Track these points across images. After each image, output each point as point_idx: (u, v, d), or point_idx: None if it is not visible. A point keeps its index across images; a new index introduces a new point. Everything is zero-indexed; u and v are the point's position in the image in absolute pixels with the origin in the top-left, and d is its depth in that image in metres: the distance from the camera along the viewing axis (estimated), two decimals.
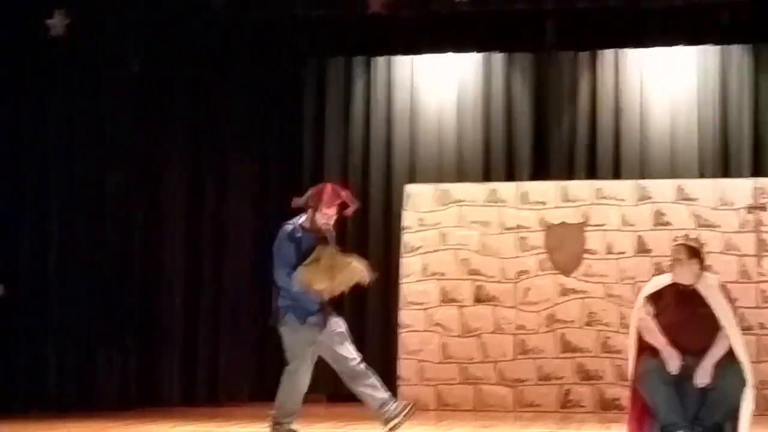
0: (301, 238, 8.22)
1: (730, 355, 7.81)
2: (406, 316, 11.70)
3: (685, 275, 7.96)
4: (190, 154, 12.08)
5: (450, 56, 12.70)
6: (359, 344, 12.33)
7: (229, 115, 12.32)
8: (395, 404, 8.29)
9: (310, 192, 8.41)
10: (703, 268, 8.08)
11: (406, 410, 8.23)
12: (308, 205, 8.31)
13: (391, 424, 8.22)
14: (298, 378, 8.24)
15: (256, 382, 12.54)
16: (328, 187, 8.43)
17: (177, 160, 11.97)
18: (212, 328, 12.05)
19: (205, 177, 12.19)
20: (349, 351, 8.38)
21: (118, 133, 11.46)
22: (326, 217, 8.28)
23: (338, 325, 8.40)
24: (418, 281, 11.69)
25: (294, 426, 8.29)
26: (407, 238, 11.79)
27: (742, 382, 7.76)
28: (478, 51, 12.57)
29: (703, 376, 7.71)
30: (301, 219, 8.35)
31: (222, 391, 12.03)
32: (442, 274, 11.61)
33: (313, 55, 12.67)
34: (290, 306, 8.18)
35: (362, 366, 8.40)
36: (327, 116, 12.99)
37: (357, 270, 8.28)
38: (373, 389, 8.35)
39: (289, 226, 8.39)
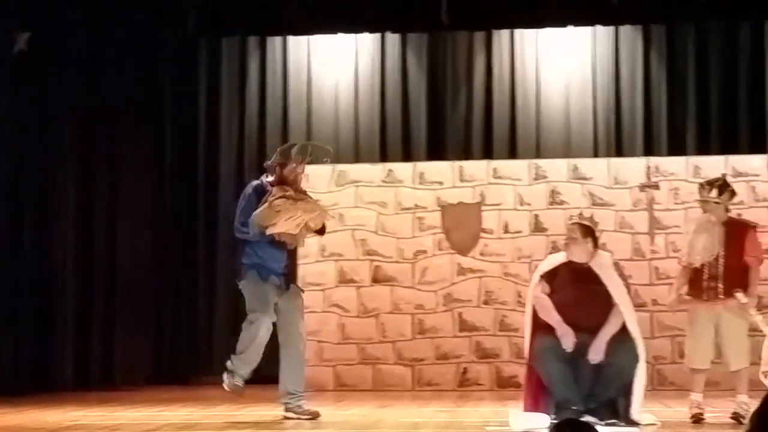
0: (266, 193, 8.27)
1: (623, 332, 7.92)
2: (304, 296, 11.60)
3: (579, 254, 8.05)
4: (82, 134, 11.85)
5: (345, 36, 12.64)
6: None
7: (122, 95, 12.13)
8: (303, 403, 8.36)
9: (278, 150, 8.55)
10: (597, 246, 8.18)
11: (307, 416, 8.29)
12: (276, 161, 8.41)
13: (288, 415, 8.31)
14: (257, 328, 8.27)
15: (153, 366, 12.41)
16: (293, 144, 8.62)
17: (69, 139, 11.74)
18: (107, 311, 11.87)
19: (98, 158, 11.98)
20: (301, 324, 8.48)
21: (3, 114, 11.18)
22: (294, 171, 8.36)
23: (298, 295, 8.52)
24: (315, 262, 11.65)
25: (242, 380, 8.37)
26: None
27: (635, 358, 7.88)
28: (372, 31, 12.53)
29: (596, 353, 7.81)
30: (269, 177, 8.41)
31: (117, 375, 11.87)
32: (340, 255, 11.59)
33: (206, 35, 12.50)
34: (255, 264, 8.26)
35: (303, 346, 8.51)
36: (222, 96, 12.86)
37: (308, 212, 8.29)
38: (295, 374, 8.42)
39: (255, 182, 8.53)
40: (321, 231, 8.58)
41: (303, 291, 8.78)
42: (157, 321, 12.49)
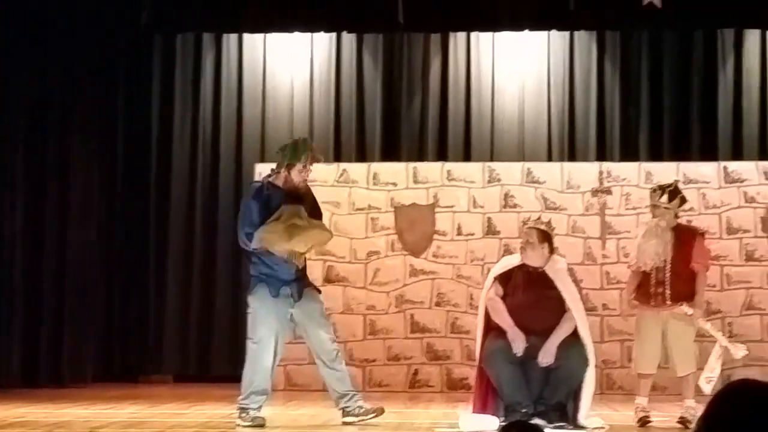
0: (270, 196, 7.91)
1: (574, 336, 7.97)
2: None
3: (535, 258, 8.10)
4: (32, 129, 11.73)
5: (301, 35, 12.61)
6: (209, 327, 12.34)
7: (74, 90, 12.01)
8: (360, 401, 7.99)
9: (280, 151, 8.22)
10: (553, 251, 8.23)
11: (370, 415, 7.92)
12: (281, 164, 8.04)
13: (348, 419, 7.92)
14: (260, 356, 7.85)
15: (102, 364, 12.31)
16: (300, 142, 8.21)
17: (19, 134, 11.62)
18: (56, 308, 11.77)
19: (49, 155, 11.85)
20: (322, 330, 8.04)
21: None
22: (301, 173, 8.00)
23: (315, 299, 8.09)
24: None
25: (261, 413, 7.88)
26: None
27: (585, 362, 7.93)
28: (328, 31, 12.51)
29: (546, 356, 7.85)
30: (270, 177, 8.06)
31: (66, 373, 11.77)
32: None
33: (160, 31, 12.42)
34: (264, 275, 7.86)
35: (337, 349, 8.09)
36: (176, 94, 12.78)
37: (317, 233, 8.01)
38: (336, 378, 8.02)
39: (256, 184, 8.15)
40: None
41: (320, 291, 8.32)
42: (107, 319, 12.40)
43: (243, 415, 7.83)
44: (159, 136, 12.70)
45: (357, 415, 7.92)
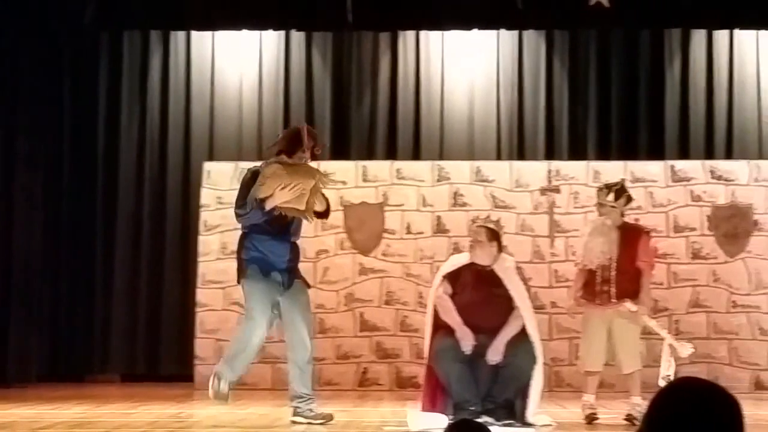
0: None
1: (522, 334, 8.00)
2: (203, 295, 11.57)
3: (483, 256, 8.12)
4: None
5: (250, 33, 12.56)
6: (157, 326, 12.26)
7: (19, 89, 11.88)
8: (313, 405, 7.92)
9: (283, 134, 8.17)
10: (501, 250, 8.26)
11: (319, 420, 7.84)
12: (283, 148, 7.96)
13: (297, 419, 7.86)
14: (252, 331, 7.80)
15: (48, 364, 12.19)
16: (304, 130, 8.09)
17: None
18: (1, 308, 11.64)
19: None
20: (304, 325, 7.97)
21: None
22: (300, 160, 7.91)
23: (304, 292, 8.03)
24: (216, 260, 11.56)
25: (228, 387, 7.85)
26: (205, 216, 11.66)
27: (533, 360, 7.97)
28: (277, 29, 12.47)
29: (494, 354, 7.88)
30: (272, 161, 7.96)
31: (10, 373, 11.64)
32: None
33: (106, 29, 12.31)
34: (255, 258, 7.81)
35: (312, 350, 8.03)
36: (123, 91, 12.67)
37: (306, 178, 7.80)
38: (302, 378, 7.96)
39: (254, 168, 8.03)
40: (326, 213, 8.04)
41: (309, 286, 8.25)
42: (52, 317, 12.28)
43: (215, 381, 7.84)
44: (106, 134, 12.60)
45: (306, 418, 7.88)
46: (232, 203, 11.37)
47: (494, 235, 8.21)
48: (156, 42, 12.69)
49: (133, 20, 12.04)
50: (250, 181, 7.84)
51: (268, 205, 7.67)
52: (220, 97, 12.67)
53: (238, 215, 7.90)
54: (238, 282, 8.06)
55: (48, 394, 10.53)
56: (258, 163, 8.30)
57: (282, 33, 12.62)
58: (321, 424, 7.84)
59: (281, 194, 7.68)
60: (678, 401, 2.26)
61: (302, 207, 7.73)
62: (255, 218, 7.75)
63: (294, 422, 7.88)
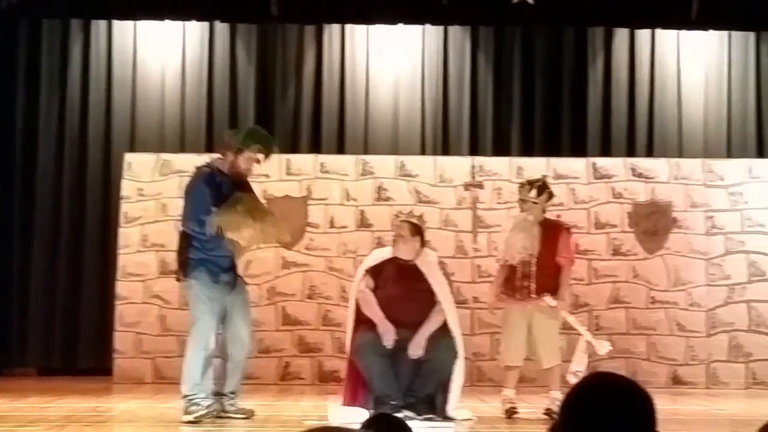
0: (221, 183, 7.69)
1: (444, 329, 8.03)
2: (123, 287, 11.45)
3: (406, 251, 8.14)
4: None
5: (173, 23, 12.44)
6: (75, 319, 12.09)
7: None
8: (236, 401, 7.82)
9: (231, 134, 7.97)
10: (424, 245, 8.29)
11: (240, 415, 7.75)
12: (230, 147, 7.78)
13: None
14: (205, 342, 7.66)
15: None
16: (255, 130, 8.03)
17: None
18: None
19: None
20: (245, 325, 7.89)
21: None
22: (250, 161, 7.78)
23: (245, 290, 8.00)
24: (137, 252, 11.46)
25: (206, 402, 7.63)
26: (126, 208, 11.54)
27: (454, 355, 8.01)
28: (200, 20, 12.37)
29: (416, 348, 7.90)
30: (217, 162, 7.81)
31: None
32: (162, 246, 11.40)
33: (25, 16, 12.11)
34: (203, 260, 7.63)
35: (245, 349, 7.94)
36: (42, 81, 12.47)
37: (276, 223, 7.83)
38: (235, 376, 7.87)
39: (206, 169, 7.81)
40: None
41: (247, 284, 8.23)
42: None
43: (193, 408, 7.58)
44: (24, 124, 12.39)
45: (227, 412, 7.84)
46: (153, 195, 11.40)
47: (417, 230, 8.24)
48: (77, 31, 12.50)
49: (53, 8, 11.87)
50: (205, 186, 7.66)
51: (229, 236, 7.56)
52: (142, 88, 12.53)
53: (192, 231, 7.67)
54: (178, 280, 7.95)
55: None
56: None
57: (206, 24, 12.51)
58: (243, 418, 7.81)
59: (242, 234, 7.57)
60: (592, 395, 2.27)
61: (243, 245, 7.69)
62: (207, 238, 7.60)
63: (219, 417, 7.80)
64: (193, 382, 7.64)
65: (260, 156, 7.85)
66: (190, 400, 7.62)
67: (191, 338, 7.75)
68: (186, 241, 7.77)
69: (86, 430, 7.27)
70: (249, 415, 7.90)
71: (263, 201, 8.23)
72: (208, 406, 7.62)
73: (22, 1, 11.28)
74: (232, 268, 7.84)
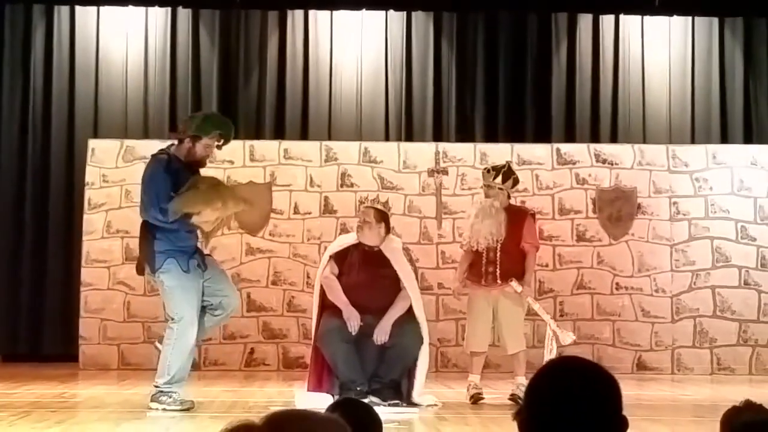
0: (178, 170, 7.49)
1: (408, 315, 8.04)
2: (88, 274, 11.40)
3: (371, 237, 8.15)
4: None
5: (136, 9, 12.38)
6: (38, 302, 12.03)
7: None
8: (182, 399, 7.58)
9: (187, 120, 7.82)
10: (389, 231, 8.29)
11: (180, 406, 7.51)
12: (186, 134, 7.61)
13: (153, 405, 7.53)
14: (182, 336, 7.47)
15: None
16: (212, 115, 7.92)
17: None
18: None
19: None
20: (231, 286, 7.87)
21: None
22: (208, 147, 7.62)
23: (216, 263, 7.89)
24: (101, 238, 11.41)
25: (182, 394, 7.50)
26: (90, 194, 11.49)
27: (419, 341, 8.03)
28: (163, 5, 12.32)
29: (381, 334, 7.91)
30: (172, 149, 7.63)
31: None
32: (127, 232, 11.35)
33: None
34: (170, 251, 7.45)
35: (236, 307, 7.91)
36: (4, 66, 12.37)
37: (240, 198, 7.66)
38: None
39: (163, 156, 7.60)
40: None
41: (211, 256, 8.09)
42: None
43: (164, 398, 7.47)
44: None
45: (169, 403, 7.58)
46: (117, 182, 11.34)
47: (383, 216, 8.25)
48: (39, 16, 12.42)
49: None
50: (163, 173, 7.48)
51: (193, 220, 7.44)
52: (105, 74, 12.45)
53: (154, 219, 7.48)
54: (141, 274, 7.83)
55: None
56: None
57: (168, 9, 12.46)
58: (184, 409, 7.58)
59: (208, 214, 7.44)
60: (557, 379, 2.28)
61: (210, 228, 7.58)
62: (170, 226, 7.44)
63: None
64: (169, 377, 7.53)
65: (219, 142, 7.70)
66: (162, 391, 7.53)
67: (173, 336, 7.54)
68: (149, 232, 7.57)
69: (52, 416, 7.23)
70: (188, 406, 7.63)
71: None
72: (182, 402, 7.51)
73: None
74: (197, 250, 7.69)
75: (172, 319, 7.56)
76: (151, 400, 7.56)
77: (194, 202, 7.43)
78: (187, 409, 7.51)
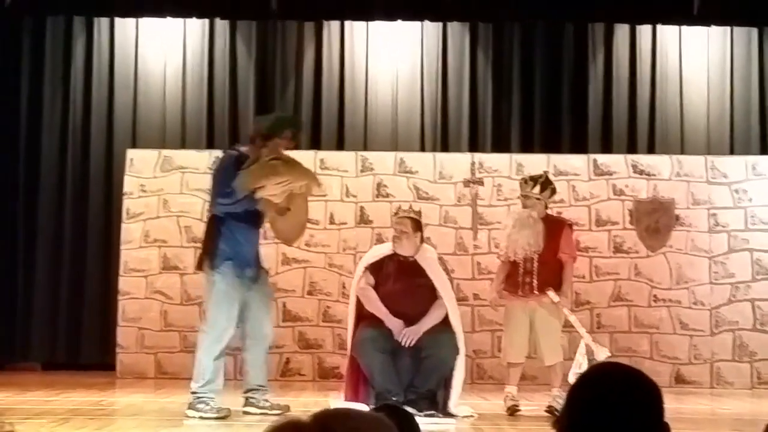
0: (250, 161, 7.62)
1: (444, 325, 8.03)
2: (125, 283, 11.46)
3: (408, 247, 8.15)
4: None
5: (174, 20, 12.45)
6: (78, 314, 12.10)
7: None
8: (269, 397, 7.77)
9: (259, 120, 7.94)
10: (423, 240, 8.29)
11: (274, 411, 7.67)
12: (258, 134, 7.74)
13: (251, 410, 7.68)
14: (214, 344, 7.56)
15: None
16: (284, 116, 8.00)
17: None
18: None
19: None
20: (268, 317, 7.86)
21: None
22: (278, 149, 7.72)
23: (267, 283, 7.93)
24: (139, 248, 11.46)
25: (218, 400, 7.57)
26: (128, 204, 11.54)
27: (455, 351, 8.01)
28: (201, 17, 12.38)
29: (411, 334, 7.88)
30: (244, 148, 7.74)
31: None
32: (164, 241, 11.42)
33: (30, 13, 12.10)
34: (231, 251, 7.53)
35: (271, 340, 7.93)
36: (45, 77, 12.48)
37: (302, 177, 7.70)
38: (260, 369, 7.82)
39: (233, 152, 7.75)
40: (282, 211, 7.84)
41: (269, 274, 8.18)
42: None
43: (201, 405, 7.55)
44: (28, 121, 12.40)
45: (261, 408, 7.77)
46: (155, 191, 11.39)
47: (418, 226, 8.25)
48: (79, 28, 12.52)
49: (56, 5, 11.88)
50: (232, 167, 7.60)
51: (259, 194, 7.50)
52: (144, 85, 12.53)
53: (221, 204, 7.59)
54: (200, 269, 7.85)
55: None
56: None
57: (206, 21, 12.52)
58: (277, 414, 7.69)
59: (273, 188, 7.51)
60: (599, 385, 2.27)
61: (276, 203, 7.63)
62: (238, 207, 7.52)
63: (246, 413, 7.79)
64: (204, 381, 7.59)
65: (287, 142, 7.79)
66: (199, 397, 7.59)
67: (205, 337, 7.64)
68: (215, 228, 7.67)
69: (91, 423, 7.28)
70: (284, 410, 7.77)
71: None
72: (218, 410, 7.56)
73: None
74: (256, 260, 7.77)
75: (207, 322, 7.65)
76: (189, 408, 7.62)
77: (257, 176, 7.48)
78: (224, 417, 7.54)
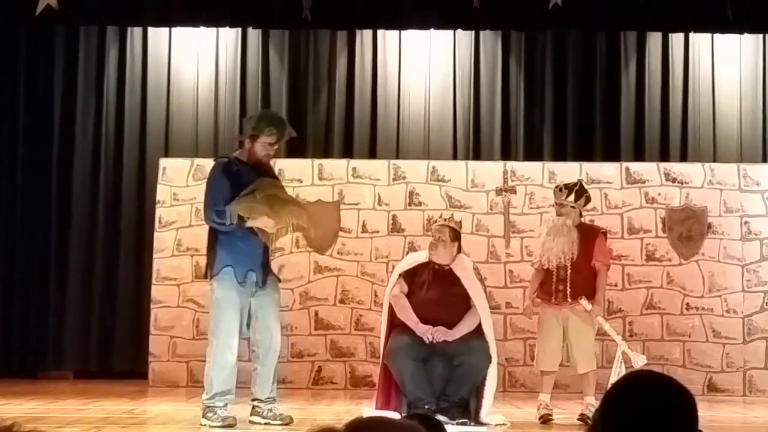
0: (240, 171, 7.53)
1: (477, 333, 8.02)
2: (158, 291, 11.51)
3: (444, 256, 8.16)
4: None
5: (207, 30, 12.50)
6: (110, 322, 12.16)
7: None
8: (274, 406, 7.75)
9: (245, 121, 7.88)
10: (460, 250, 8.30)
11: (277, 421, 7.67)
12: (245, 135, 7.70)
13: (255, 419, 7.72)
14: (222, 353, 7.54)
15: (1, 360, 12.07)
16: (265, 114, 7.99)
17: None
18: None
19: None
20: (278, 326, 7.80)
21: None
22: (267, 146, 7.68)
23: (276, 289, 7.81)
24: (171, 256, 11.51)
25: (229, 411, 7.58)
26: (161, 213, 11.60)
27: (488, 359, 8.00)
28: (233, 26, 12.43)
29: (441, 332, 7.86)
30: (236, 152, 7.71)
31: None
32: (196, 250, 11.44)
33: (63, 23, 12.19)
34: (231, 258, 7.48)
35: (279, 350, 7.87)
36: (78, 87, 12.56)
37: (299, 210, 7.67)
38: (267, 381, 7.78)
39: (222, 160, 7.70)
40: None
41: (280, 280, 8.12)
42: (5, 313, 12.17)
43: (210, 414, 7.56)
44: (61, 130, 12.49)
45: (265, 418, 7.76)
46: (188, 200, 11.44)
47: (456, 235, 8.26)
48: (112, 37, 12.60)
49: (89, 15, 11.95)
50: (222, 176, 7.57)
51: (248, 224, 7.46)
52: (176, 94, 12.60)
53: (212, 222, 7.57)
54: (206, 277, 7.85)
55: (1, 389, 10.42)
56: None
57: (239, 30, 12.57)
58: (281, 425, 7.74)
59: (263, 222, 7.47)
60: (633, 392, 2.27)
61: (271, 231, 7.57)
62: (228, 229, 7.49)
63: (252, 422, 7.82)
64: (214, 392, 7.61)
65: (273, 138, 7.71)
66: (207, 407, 7.61)
67: (211, 349, 7.65)
68: (213, 236, 7.64)
69: (123, 431, 7.30)
70: (287, 421, 7.77)
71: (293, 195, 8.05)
72: (223, 419, 7.56)
73: (60, 8, 11.33)
74: (262, 265, 7.69)
75: (211, 332, 7.66)
76: (202, 416, 7.66)
77: (249, 209, 7.43)
78: (229, 426, 7.53)
